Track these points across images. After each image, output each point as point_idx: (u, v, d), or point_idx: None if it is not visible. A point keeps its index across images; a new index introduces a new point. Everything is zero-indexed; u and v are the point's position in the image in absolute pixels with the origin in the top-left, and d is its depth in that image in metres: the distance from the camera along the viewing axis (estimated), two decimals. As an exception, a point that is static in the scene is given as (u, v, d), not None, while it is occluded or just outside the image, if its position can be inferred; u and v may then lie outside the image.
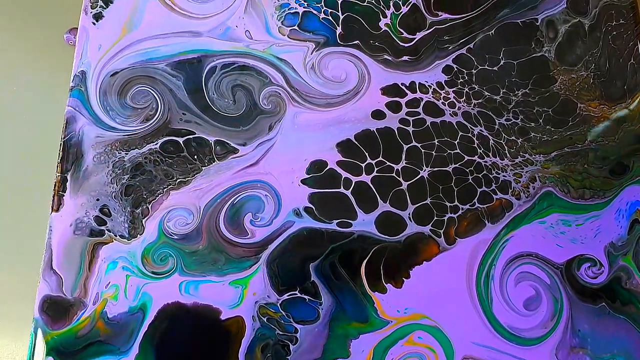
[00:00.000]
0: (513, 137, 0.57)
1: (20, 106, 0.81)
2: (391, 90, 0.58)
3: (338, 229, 0.54)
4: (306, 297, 0.53)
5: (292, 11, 0.60)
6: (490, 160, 0.57)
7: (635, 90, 0.59)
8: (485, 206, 0.55)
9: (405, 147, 0.57)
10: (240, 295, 0.52)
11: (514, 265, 0.54)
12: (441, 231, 0.55)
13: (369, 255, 0.54)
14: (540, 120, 0.58)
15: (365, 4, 0.60)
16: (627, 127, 0.58)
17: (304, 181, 0.55)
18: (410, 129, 0.57)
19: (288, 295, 0.53)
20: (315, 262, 0.53)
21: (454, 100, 0.58)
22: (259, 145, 0.56)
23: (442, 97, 0.58)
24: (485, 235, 0.55)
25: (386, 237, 0.54)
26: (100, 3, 0.59)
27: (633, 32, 0.61)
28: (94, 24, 0.58)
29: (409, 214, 0.55)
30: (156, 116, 0.56)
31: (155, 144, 0.55)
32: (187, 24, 0.59)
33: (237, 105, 0.57)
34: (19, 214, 0.82)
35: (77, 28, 0.59)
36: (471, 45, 0.59)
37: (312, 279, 0.53)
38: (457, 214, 0.55)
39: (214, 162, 0.55)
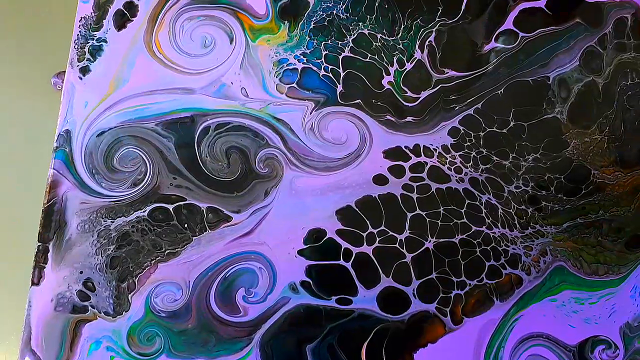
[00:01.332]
0: (523, 207, 0.50)
1: (3, 153, 0.73)
2: (394, 153, 0.51)
3: (337, 306, 0.47)
4: (302, 382, 0.46)
5: (290, 67, 0.53)
6: (499, 231, 0.50)
7: None
8: (494, 282, 0.48)
9: (409, 215, 0.50)
10: (231, 379, 0.45)
11: (524, 348, 0.47)
12: (447, 310, 0.48)
13: (370, 337, 0.47)
14: (552, 188, 0.51)
15: (367, 60, 0.53)
16: None
17: (301, 252, 0.48)
18: (415, 195, 0.50)
19: (282, 380, 0.46)
20: (312, 344, 0.46)
21: (461, 166, 0.51)
22: (253, 213, 0.49)
23: (447, 161, 0.51)
24: (494, 314, 0.48)
25: (389, 315, 0.47)
26: (88, 56, 0.52)
27: None
28: (80, 78, 0.51)
29: (414, 290, 0.48)
30: (145, 180, 0.49)
31: (144, 212, 0.48)
32: (179, 79, 0.52)
33: (231, 169, 0.50)
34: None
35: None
36: (479, 105, 0.52)
37: (308, 362, 0.46)
38: (464, 290, 0.48)
39: (205, 231, 0.48)
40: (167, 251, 0.47)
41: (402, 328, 0.46)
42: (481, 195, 0.49)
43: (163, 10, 0.53)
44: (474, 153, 0.50)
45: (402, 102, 0.51)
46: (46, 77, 0.59)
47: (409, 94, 0.52)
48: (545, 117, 0.52)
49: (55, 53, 0.60)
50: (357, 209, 0.48)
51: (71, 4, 0.54)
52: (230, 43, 0.52)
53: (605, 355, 0.47)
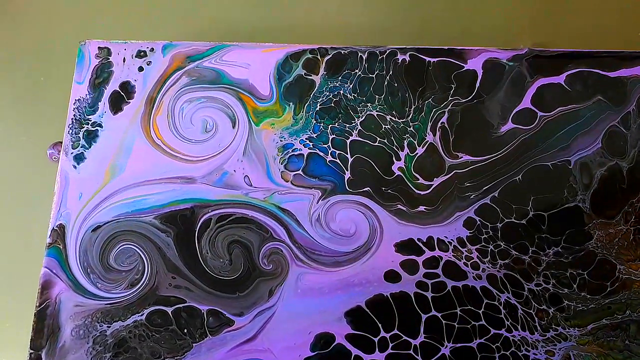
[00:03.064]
0: (544, 306, 0.43)
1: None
2: (406, 246, 0.44)
3: None
4: None
5: (296, 153, 0.46)
6: (519, 335, 0.43)
7: None
8: None
9: (424, 317, 0.43)
10: None
11: None
12: None
13: None
14: (575, 286, 0.44)
15: (376, 144, 0.46)
16: None
17: None
18: (429, 294, 0.43)
19: None
20: None
21: (478, 261, 0.44)
22: (257, 316, 0.42)
23: (464, 256, 0.44)
24: None
25: None
26: (82, 142, 0.45)
27: None
28: (74, 167, 0.44)
29: None
30: (143, 280, 0.42)
31: (141, 315, 0.42)
32: (178, 168, 0.45)
33: (233, 266, 0.43)
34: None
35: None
36: (496, 193, 0.45)
37: None
38: None
39: (206, 336, 0.41)
40: (166, 359, 0.40)
41: None
42: (500, 294, 0.42)
43: (162, 91, 0.46)
44: (491, 247, 0.43)
45: (414, 189, 0.44)
46: (42, 147, 0.53)
47: (421, 180, 0.45)
48: (567, 205, 0.45)
49: (51, 123, 0.53)
50: (367, 310, 0.41)
51: (69, 71, 0.47)
52: (233, 127, 0.45)
53: None
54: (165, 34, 0.62)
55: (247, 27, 0.61)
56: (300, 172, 0.44)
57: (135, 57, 0.46)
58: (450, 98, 0.46)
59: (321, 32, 0.60)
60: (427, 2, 0.62)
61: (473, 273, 0.42)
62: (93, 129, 0.44)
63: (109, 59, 0.46)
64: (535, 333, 0.41)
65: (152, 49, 0.46)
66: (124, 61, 0.46)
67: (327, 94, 0.46)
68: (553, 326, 0.41)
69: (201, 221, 0.42)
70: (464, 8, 0.62)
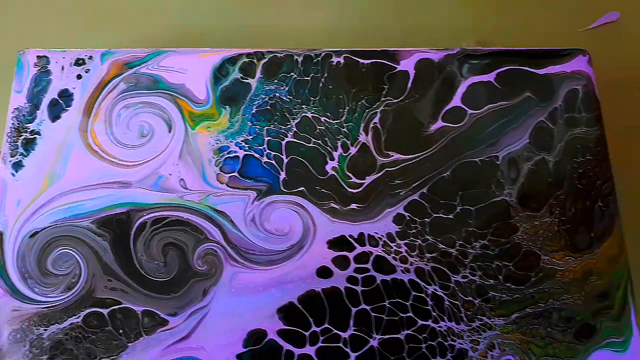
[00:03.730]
0: (470, 298, 0.45)
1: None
2: (338, 243, 0.45)
3: None
4: None
5: (231, 155, 0.47)
6: (445, 325, 0.44)
7: (604, 238, 0.47)
8: None
9: (354, 310, 0.44)
10: None
11: None
12: None
13: None
14: (500, 277, 0.45)
15: (311, 144, 0.47)
16: (594, 281, 0.46)
17: (240, 356, 0.43)
18: (359, 288, 0.45)
19: None
20: None
21: (406, 255, 0.45)
22: (191, 315, 0.43)
23: (393, 250, 0.45)
24: None
25: None
26: (21, 150, 0.46)
27: (600, 168, 0.48)
28: (13, 175, 0.46)
29: None
30: (79, 284, 0.43)
31: (78, 318, 0.43)
32: (115, 173, 0.46)
33: (168, 268, 0.44)
34: None
35: None
36: (425, 190, 0.47)
37: None
38: None
39: (141, 336, 0.43)
40: (101, 359, 0.41)
41: None
42: (427, 287, 0.44)
43: (99, 98, 0.47)
44: (419, 241, 0.45)
45: (347, 188, 0.46)
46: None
47: (354, 179, 0.46)
48: (493, 200, 0.46)
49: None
50: (299, 306, 0.43)
51: (8, 81, 0.48)
52: (169, 131, 0.47)
53: None
54: (120, 41, 0.63)
55: (196, 32, 0.62)
56: (235, 174, 0.45)
57: (74, 65, 0.47)
58: (382, 99, 0.48)
59: (270, 35, 0.62)
60: (370, 3, 0.64)
61: (402, 267, 0.43)
62: (31, 137, 0.45)
63: (47, 67, 0.47)
64: (461, 323, 0.42)
65: (90, 57, 0.47)
66: (62, 69, 0.47)
67: (263, 96, 0.47)
68: (478, 316, 0.43)
69: (137, 225, 0.43)
70: (407, 8, 0.63)
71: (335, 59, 0.48)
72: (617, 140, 0.54)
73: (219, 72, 0.47)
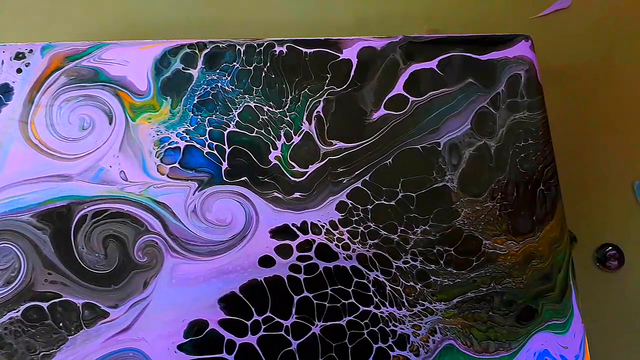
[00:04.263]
0: (411, 283, 0.45)
1: None
2: (281, 232, 0.45)
3: None
4: None
5: (172, 146, 0.47)
6: (387, 311, 0.44)
7: (545, 222, 0.47)
8: None
9: (296, 298, 0.44)
10: None
11: None
12: None
13: None
14: (442, 262, 0.46)
15: (254, 134, 0.47)
16: (536, 265, 0.46)
17: (180, 347, 0.43)
18: (302, 276, 0.45)
19: None
20: None
21: (348, 242, 0.46)
22: (132, 307, 0.43)
23: (335, 238, 0.46)
24: None
25: None
26: None
27: (542, 152, 0.49)
28: None
29: None
30: (19, 278, 0.43)
31: (17, 312, 0.43)
32: (56, 166, 0.46)
33: (108, 260, 0.44)
34: None
35: None
36: (367, 177, 0.47)
37: None
38: None
39: (81, 329, 0.43)
40: (41, 353, 0.41)
41: (286, 422, 0.41)
42: (369, 273, 0.44)
43: (40, 92, 0.47)
44: (362, 228, 0.45)
45: (290, 177, 0.46)
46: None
47: (297, 168, 0.46)
48: (435, 185, 0.46)
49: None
50: (241, 296, 0.43)
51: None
52: (110, 124, 0.46)
53: None
54: (65, 35, 0.62)
55: (143, 24, 0.62)
56: (176, 164, 0.45)
57: (14, 59, 0.47)
58: (325, 87, 0.48)
59: (219, 27, 0.61)
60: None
61: (344, 254, 0.44)
62: (-30, 131, 0.45)
63: (-15, 62, 0.46)
64: (403, 309, 0.43)
65: (30, 51, 0.47)
66: (2, 63, 0.46)
67: (205, 87, 0.47)
68: (420, 301, 0.43)
69: (77, 218, 0.43)
70: (359, -2, 0.63)
71: (278, 49, 0.48)
72: (563, 127, 0.55)
73: (161, 64, 0.47)
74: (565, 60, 0.61)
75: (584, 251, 0.55)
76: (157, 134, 0.45)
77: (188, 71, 0.48)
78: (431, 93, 0.48)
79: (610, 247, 0.55)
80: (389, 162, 0.46)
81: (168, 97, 0.47)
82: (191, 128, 0.46)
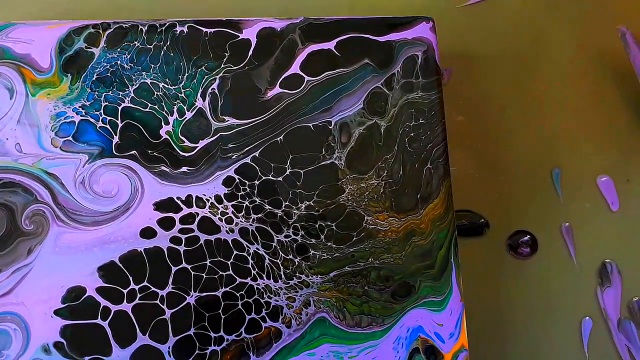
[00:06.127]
0: (290, 256, 0.46)
1: None
2: (165, 205, 0.47)
3: None
4: None
5: (68, 120, 0.48)
6: (264, 283, 0.45)
7: (430, 199, 0.48)
8: (252, 336, 0.44)
9: (174, 269, 0.45)
10: None
11: None
12: None
13: None
14: (322, 236, 0.46)
15: (147, 110, 0.49)
16: (417, 241, 0.47)
17: (57, 312, 0.44)
18: (182, 248, 0.46)
19: None
20: None
21: (232, 216, 0.47)
22: (14, 272, 0.45)
23: (219, 212, 0.47)
24: None
25: None
26: None
27: (433, 132, 0.49)
28: None
29: (169, 348, 0.44)
30: None
31: None
32: (-46, 137, 0.48)
33: None
34: None
35: None
36: (257, 154, 0.48)
37: None
38: (221, 346, 0.44)
39: None
40: None
41: (152, 388, 0.42)
42: (250, 246, 0.45)
43: (-54, 68, 0.49)
44: (247, 202, 0.46)
45: (179, 152, 0.47)
46: None
47: (187, 143, 0.48)
48: (323, 163, 0.47)
49: None
50: (120, 265, 0.44)
51: None
52: (10, 98, 0.48)
53: (361, 412, 0.42)
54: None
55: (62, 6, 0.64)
56: (70, 138, 0.46)
57: None
58: (222, 66, 0.49)
59: (140, 9, 0.63)
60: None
61: (226, 227, 0.45)
62: None
63: None
64: (279, 281, 0.43)
65: (-58, 29, 0.49)
66: None
67: (105, 64, 0.49)
68: (297, 274, 0.44)
69: (-30, 186, 0.45)
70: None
71: (179, 28, 0.50)
72: (485, 114, 0.55)
73: (65, 43, 0.49)
74: (491, 48, 0.62)
75: (497, 238, 0.55)
76: (55, 109, 0.47)
77: (90, 50, 0.49)
78: (327, 73, 0.49)
79: (523, 234, 0.55)
80: (280, 139, 0.47)
81: (69, 74, 0.48)
82: (87, 103, 0.47)
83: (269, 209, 0.45)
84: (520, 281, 0.54)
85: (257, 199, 0.45)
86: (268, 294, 0.43)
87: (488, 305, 0.53)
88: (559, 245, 0.55)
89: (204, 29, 0.50)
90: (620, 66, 0.60)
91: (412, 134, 0.47)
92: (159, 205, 0.45)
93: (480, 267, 0.54)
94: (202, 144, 0.47)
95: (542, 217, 0.57)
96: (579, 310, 0.53)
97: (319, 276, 0.44)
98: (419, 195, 0.46)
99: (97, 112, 0.47)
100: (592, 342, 0.52)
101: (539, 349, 0.53)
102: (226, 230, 0.44)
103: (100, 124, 0.47)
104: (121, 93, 0.48)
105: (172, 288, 0.43)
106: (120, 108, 0.47)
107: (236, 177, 0.46)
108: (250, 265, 0.44)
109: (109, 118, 0.47)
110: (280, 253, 0.44)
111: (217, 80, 0.49)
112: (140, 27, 0.50)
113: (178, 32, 0.50)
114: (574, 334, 0.53)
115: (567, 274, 0.54)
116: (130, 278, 0.43)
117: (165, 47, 0.49)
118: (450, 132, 0.50)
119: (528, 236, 0.56)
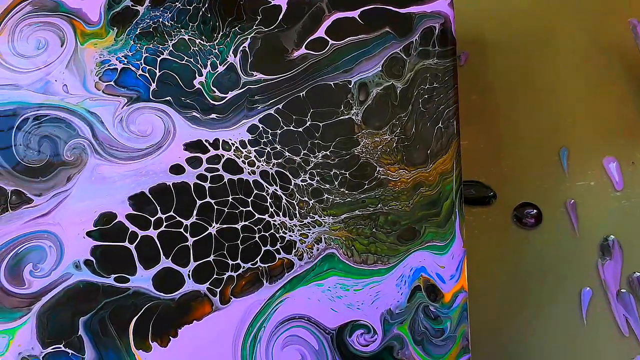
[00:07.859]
0: (306, 198, 0.50)
1: None
2: (194, 146, 0.51)
3: (115, 284, 0.47)
4: (70, 351, 0.46)
5: (111, 67, 0.54)
6: (280, 220, 0.49)
7: (439, 155, 0.51)
8: (266, 265, 0.48)
9: (199, 202, 0.50)
10: (6, 345, 0.46)
11: (284, 328, 0.46)
12: (218, 290, 0.47)
13: (140, 313, 0.47)
14: (336, 183, 0.50)
15: (183, 62, 0.54)
16: (424, 191, 0.50)
17: (89, 233, 0.49)
18: (207, 185, 0.50)
19: (52, 349, 0.46)
20: (85, 317, 0.46)
21: (254, 159, 0.51)
22: (54, 197, 0.49)
23: (243, 155, 0.51)
24: (261, 296, 0.47)
25: (162, 294, 0.47)
26: None
27: (446, 95, 0.53)
28: None
29: (189, 271, 0.48)
30: None
31: None
32: (10, 77, 0.53)
33: (40, 157, 0.51)
34: None
35: None
36: (280, 106, 0.53)
37: (79, 333, 0.46)
38: (237, 273, 0.48)
39: (7, 211, 0.49)
40: (-30, 228, 0.48)
41: (171, 305, 0.46)
42: (269, 187, 0.49)
43: (6, 19, 0.55)
44: (268, 149, 0.51)
45: (210, 100, 0.52)
46: None
47: (217, 93, 0.52)
48: (341, 118, 0.52)
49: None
50: (149, 196, 0.49)
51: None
52: (61, 46, 0.54)
53: (363, 339, 0.45)
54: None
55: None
56: (112, 82, 0.52)
57: (-9, -11, 0.55)
58: (254, 27, 0.54)
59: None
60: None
61: (249, 169, 0.49)
62: (-56, 44, 0.53)
63: (-35, -11, 0.55)
64: (294, 219, 0.48)
65: (5, -16, 0.56)
66: (-20, -7, 0.55)
67: (148, 21, 0.54)
68: (311, 214, 0.48)
69: (20, 119, 0.50)
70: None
71: (217, -7, 0.55)
72: (500, 92, 0.59)
73: (114, 0, 0.55)
74: (505, 34, 0.66)
75: (504, 209, 0.59)
76: (100, 57, 0.53)
77: (136, 8, 0.55)
78: (350, 38, 0.53)
79: (529, 207, 0.58)
80: (302, 94, 0.51)
81: (115, 28, 0.54)
82: (130, 54, 0.53)
83: (289, 155, 0.49)
84: (524, 249, 0.57)
85: (277, 146, 0.50)
86: (283, 229, 0.47)
87: (491, 268, 0.56)
88: (563, 220, 0.58)
89: (240, -5, 0.55)
90: (630, 56, 0.64)
91: (426, 96, 0.51)
92: (189, 146, 0.50)
93: (486, 234, 0.57)
94: (231, 94, 0.52)
95: (548, 192, 0.60)
96: (579, 281, 0.56)
97: (331, 217, 0.48)
98: (429, 151, 0.50)
99: (138, 62, 0.52)
100: (590, 311, 0.55)
101: (538, 314, 0.55)
102: (248, 172, 0.49)
103: (140, 72, 0.52)
104: (161, 46, 0.53)
105: (196, 219, 0.47)
106: (159, 59, 0.53)
107: (260, 125, 0.50)
108: (268, 204, 0.48)
109: (148, 67, 0.52)
110: (297, 195, 0.48)
111: (249, 39, 0.53)
112: (182, -10, 0.55)
113: (216, -4, 0.55)
114: (574, 302, 0.55)
115: (569, 246, 0.57)
116: (158, 208, 0.48)
117: (203, 9, 0.55)
118: (464, 109, 0.54)
119: (534, 210, 0.59)
